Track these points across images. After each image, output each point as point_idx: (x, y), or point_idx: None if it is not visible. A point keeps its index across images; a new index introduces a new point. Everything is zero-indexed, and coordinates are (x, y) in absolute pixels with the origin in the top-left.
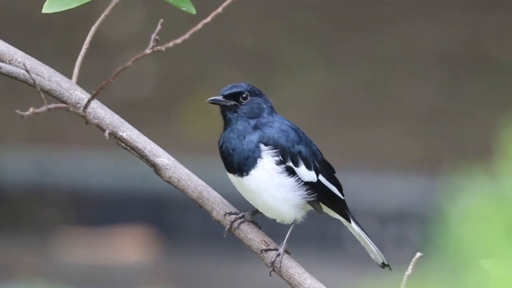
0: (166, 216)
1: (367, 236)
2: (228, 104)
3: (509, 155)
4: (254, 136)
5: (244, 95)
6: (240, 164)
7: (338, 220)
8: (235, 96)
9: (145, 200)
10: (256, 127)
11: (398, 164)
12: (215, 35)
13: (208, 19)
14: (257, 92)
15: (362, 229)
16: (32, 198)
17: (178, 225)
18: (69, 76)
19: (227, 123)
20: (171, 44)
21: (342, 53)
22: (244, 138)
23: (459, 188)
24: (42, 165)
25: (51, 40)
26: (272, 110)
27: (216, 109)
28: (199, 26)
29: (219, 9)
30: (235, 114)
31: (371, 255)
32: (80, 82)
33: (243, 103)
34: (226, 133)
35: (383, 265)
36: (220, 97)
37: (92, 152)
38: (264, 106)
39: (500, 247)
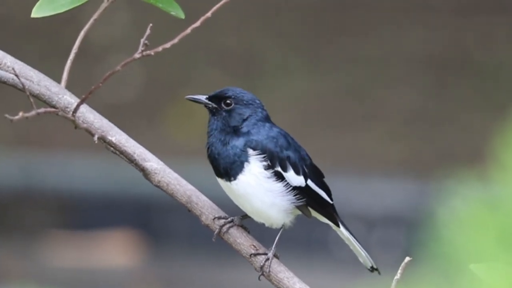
0: (153, 220)
1: (356, 241)
2: (210, 106)
3: (502, 161)
4: (239, 142)
5: (228, 101)
6: (227, 169)
7: (325, 223)
8: (219, 100)
9: (131, 204)
10: (237, 134)
11: (383, 167)
12: (201, 38)
13: (197, 23)
14: (245, 102)
15: (351, 233)
16: (18, 202)
17: (165, 229)
18: (56, 80)
19: (208, 125)
20: (160, 48)
21: (327, 57)
22: (228, 143)
23: (450, 193)
24: (28, 169)
25: (36, 43)
26: (258, 121)
27: (202, 112)
28: (188, 30)
29: (208, 14)
30: (215, 118)
31: (360, 259)
32: (66, 86)
33: (224, 109)
34: (210, 137)
35: (372, 269)
36: (203, 97)
37: (79, 156)
38: (246, 117)
39: (491, 251)
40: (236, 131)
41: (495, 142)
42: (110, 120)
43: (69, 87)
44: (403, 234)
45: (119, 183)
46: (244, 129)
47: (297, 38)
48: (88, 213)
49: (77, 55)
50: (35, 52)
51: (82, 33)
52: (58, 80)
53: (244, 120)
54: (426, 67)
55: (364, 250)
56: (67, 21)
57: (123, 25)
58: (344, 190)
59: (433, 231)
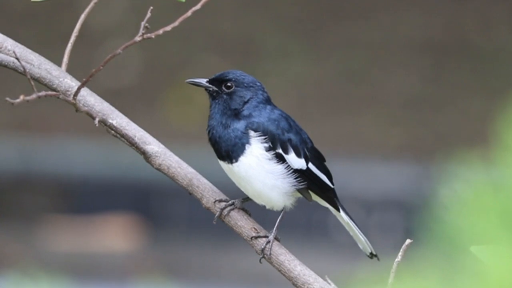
0: (152, 204)
1: (356, 226)
2: (210, 89)
3: (504, 142)
4: (240, 124)
5: (228, 84)
6: (229, 151)
7: (325, 207)
8: (219, 83)
9: (130, 188)
10: (238, 117)
11: (382, 151)
12: (199, 23)
13: (198, 6)
14: (245, 84)
15: (351, 218)
16: (17, 186)
17: (164, 213)
18: (55, 64)
19: (209, 109)
20: (161, 31)
21: (325, 41)
22: (229, 126)
23: (451, 175)
24: (27, 154)
25: (34, 29)
26: (259, 104)
27: (201, 96)
28: (189, 13)
29: None
30: (215, 101)
31: (359, 245)
32: (66, 71)
33: (225, 92)
34: (210, 120)
35: (371, 256)
36: (203, 80)
37: (78, 141)
38: (247, 99)
39: (493, 234)
40: (237, 114)
41: (496, 123)
42: (110, 105)
43: (69, 72)
44: (402, 218)
45: (118, 168)
46: (245, 112)
47: (295, 23)
48: (87, 198)
49: (76, 40)
50: (32, 38)
51: (82, 16)
52: (57, 64)
53: (245, 102)
54: (425, 51)
55: (363, 236)
56: (64, 7)
57: (122, 10)
58: (343, 174)
59: (434, 214)
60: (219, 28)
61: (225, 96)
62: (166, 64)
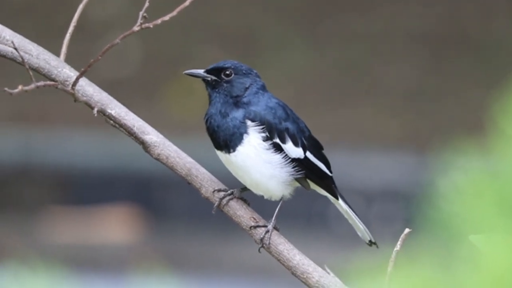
0: (152, 195)
1: (354, 214)
2: (209, 78)
3: (501, 131)
4: (238, 113)
5: (227, 72)
6: (226, 140)
7: (324, 197)
8: (217, 72)
9: (131, 179)
10: (237, 105)
11: (382, 142)
12: (199, 15)
13: None
14: (244, 72)
15: (349, 206)
16: (17, 178)
17: (164, 204)
18: (54, 54)
19: (209, 99)
20: (159, 21)
21: (324, 33)
22: (228, 115)
23: (450, 164)
24: (27, 145)
25: (33, 20)
26: (259, 90)
27: (201, 87)
28: (187, 3)
29: None
30: (215, 90)
31: (358, 233)
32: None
33: (225, 80)
34: (209, 110)
35: (370, 243)
36: (201, 71)
37: (77, 131)
38: (248, 86)
39: (491, 222)
40: (236, 103)
41: (494, 112)
42: (109, 95)
43: (68, 63)
44: (402, 208)
45: (118, 159)
46: (245, 99)
47: (294, 15)
48: (87, 189)
49: (75, 32)
50: (31, 29)
51: (81, 6)
52: (56, 55)
53: (246, 88)
54: (424, 43)
55: (362, 224)
56: (62, 1)
57: (121, 2)
58: (342, 165)
59: (432, 203)
60: (218, 20)
61: (225, 84)
62: (166, 55)
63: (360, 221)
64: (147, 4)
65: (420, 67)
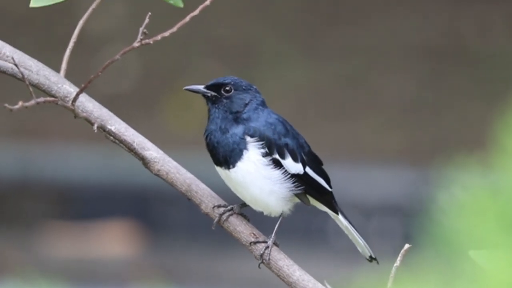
0: (151, 210)
1: (354, 229)
2: (209, 94)
3: (503, 147)
4: (238, 129)
5: (227, 88)
6: (226, 156)
7: (323, 212)
8: (217, 88)
9: (129, 194)
10: (237, 121)
11: (381, 156)
12: (197, 29)
13: (196, 12)
14: (244, 88)
15: (349, 222)
16: (16, 193)
17: (163, 219)
18: (54, 70)
19: (208, 114)
20: (159, 37)
21: (323, 46)
22: (228, 131)
23: (450, 179)
24: (26, 160)
25: (32, 34)
26: (259, 106)
27: (200, 102)
28: (187, 19)
29: (207, 2)
30: (215, 106)
31: (359, 249)
32: (64, 77)
33: (225, 96)
34: (209, 126)
35: (371, 259)
36: (200, 87)
37: (76, 147)
38: (248, 101)
39: (492, 238)
40: (236, 118)
41: (495, 127)
42: (108, 111)
43: (67, 78)
44: (401, 223)
45: (117, 174)
46: (245, 115)
47: (293, 28)
48: (86, 204)
49: (75, 46)
50: (31, 44)
51: (81, 22)
52: (56, 70)
53: (246, 104)
54: (423, 56)
55: (362, 239)
56: (63, 13)
57: (121, 16)
58: (341, 179)
59: (432, 218)
60: (217, 34)
61: (225, 100)
62: (165, 70)
63: (360, 236)
64: (147, 20)
65: (419, 80)
